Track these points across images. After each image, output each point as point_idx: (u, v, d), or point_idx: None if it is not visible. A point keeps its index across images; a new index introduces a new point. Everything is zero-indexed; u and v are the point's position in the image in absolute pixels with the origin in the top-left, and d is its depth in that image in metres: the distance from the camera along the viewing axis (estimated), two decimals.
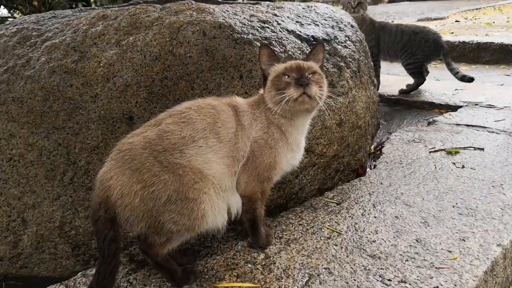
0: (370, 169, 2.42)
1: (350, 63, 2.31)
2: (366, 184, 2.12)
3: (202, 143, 1.37)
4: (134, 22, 1.98)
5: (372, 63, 2.89)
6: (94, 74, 1.86)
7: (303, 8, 2.48)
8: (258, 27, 2.04)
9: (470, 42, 6.05)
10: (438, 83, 4.33)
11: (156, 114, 1.58)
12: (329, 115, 1.58)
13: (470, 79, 3.77)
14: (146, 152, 1.32)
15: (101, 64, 1.88)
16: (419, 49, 3.95)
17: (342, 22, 2.52)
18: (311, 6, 2.55)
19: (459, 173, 2.19)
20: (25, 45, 2.07)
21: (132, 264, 1.58)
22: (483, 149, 2.49)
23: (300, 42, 2.12)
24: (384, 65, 4.36)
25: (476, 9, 12.25)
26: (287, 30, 2.12)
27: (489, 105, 3.38)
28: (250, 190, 1.51)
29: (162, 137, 1.34)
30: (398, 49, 4.04)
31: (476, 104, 3.42)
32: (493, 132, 2.78)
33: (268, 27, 2.06)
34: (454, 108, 3.45)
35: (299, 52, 2.06)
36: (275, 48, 1.97)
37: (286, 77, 1.47)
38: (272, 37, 2.02)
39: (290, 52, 2.01)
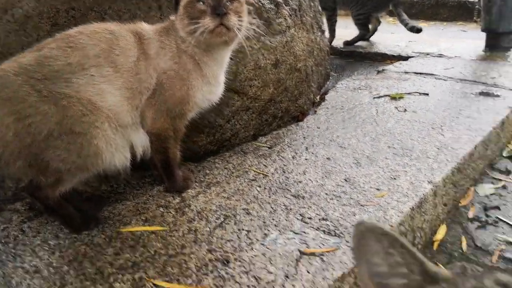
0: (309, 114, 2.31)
1: (290, 0, 2.14)
2: (303, 129, 2.01)
3: (94, 72, 1.18)
4: None
5: (320, 8, 2.74)
6: None
7: None
8: None
9: None
10: (392, 36, 4.24)
11: None
12: (247, 47, 1.41)
13: (419, 30, 3.74)
14: (20, 80, 1.12)
15: None
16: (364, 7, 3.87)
17: None
18: None
19: (400, 116, 2.10)
20: None
21: (30, 212, 1.41)
22: (427, 94, 2.41)
23: None
24: (342, 21, 4.23)
25: None
26: None
27: (440, 54, 3.31)
28: (159, 126, 1.35)
29: (42, 64, 1.14)
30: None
31: (428, 54, 3.34)
32: (440, 79, 2.71)
33: None
34: (406, 58, 3.36)
35: None
36: None
37: (201, 3, 1.28)
38: None
39: None
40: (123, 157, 1.26)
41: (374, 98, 2.39)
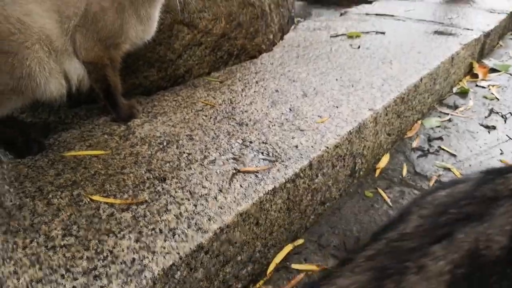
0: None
1: None
2: (256, 65, 2.02)
3: None
4: None
5: None
6: None
7: None
8: None
9: None
10: None
11: None
12: (181, 4, 1.41)
13: None
14: None
15: None
16: None
17: None
18: None
19: (353, 52, 2.13)
20: None
21: None
22: (384, 33, 2.43)
23: None
24: None
25: None
26: None
27: None
28: (93, 55, 1.34)
29: None
30: None
31: None
32: (399, 19, 2.73)
33: None
34: (370, 2, 3.35)
35: None
36: None
37: None
38: None
39: None
40: (58, 83, 1.25)
41: (331, 37, 2.39)
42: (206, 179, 1.17)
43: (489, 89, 2.24)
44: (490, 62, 2.51)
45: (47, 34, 1.20)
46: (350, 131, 1.43)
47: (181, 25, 1.80)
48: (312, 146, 1.32)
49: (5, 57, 1.13)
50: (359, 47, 2.20)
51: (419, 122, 1.96)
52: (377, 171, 1.64)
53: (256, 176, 1.18)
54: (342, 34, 2.42)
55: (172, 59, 1.85)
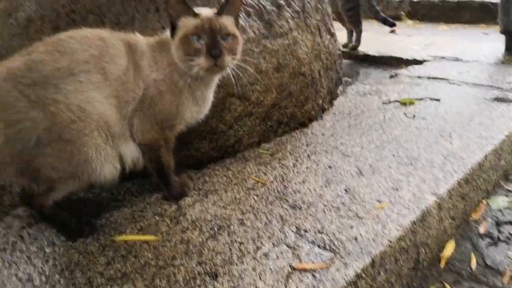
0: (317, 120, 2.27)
1: (292, 2, 2.10)
2: (307, 135, 1.97)
3: (84, 77, 1.18)
4: None
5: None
6: None
7: None
8: None
9: (450, 1, 5.82)
10: (408, 39, 4.14)
11: None
12: (235, 79, 1.43)
13: (392, 24, 3.86)
14: (8, 85, 1.11)
15: None
16: None
17: None
18: None
19: (408, 123, 2.04)
20: None
21: (31, 218, 1.41)
22: (439, 100, 2.34)
23: None
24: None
25: None
26: None
27: (456, 58, 3.21)
28: (150, 137, 1.34)
29: (31, 68, 1.14)
30: None
31: (443, 58, 3.25)
32: (454, 83, 2.63)
33: None
34: (421, 62, 3.28)
35: None
36: None
37: (197, 40, 1.26)
38: None
39: None
40: (112, 168, 1.25)
41: (384, 103, 2.33)
42: (260, 277, 1.09)
43: None
44: None
45: (106, 120, 1.21)
46: (413, 220, 1.32)
47: (233, 98, 1.80)
48: (373, 239, 1.22)
49: (65, 145, 1.14)
50: (414, 116, 2.11)
51: (484, 201, 1.81)
52: (442, 261, 1.50)
53: (314, 276, 1.09)
54: (395, 101, 2.35)
55: (223, 130, 1.83)
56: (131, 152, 1.33)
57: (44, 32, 1.60)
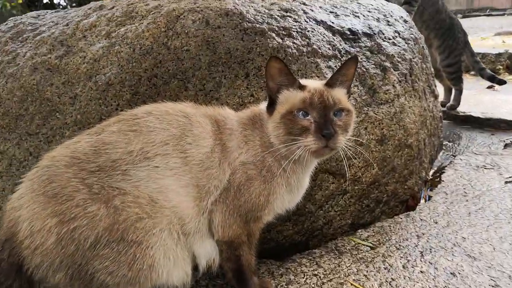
0: (425, 201, 1.89)
1: (399, 64, 1.82)
2: (415, 222, 1.60)
3: (160, 162, 0.98)
4: (130, 11, 1.67)
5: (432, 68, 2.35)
6: (77, 71, 1.56)
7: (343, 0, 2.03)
8: (278, 15, 1.63)
9: None
10: None
11: None
12: (345, 161, 1.15)
13: (502, 82, 3.42)
14: (70, 172, 0.94)
15: (86, 60, 1.57)
16: (456, 41, 3.37)
17: (392, 16, 2.04)
18: None
19: None
20: (16, 41, 1.83)
21: None
22: None
23: (331, 35, 1.67)
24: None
25: None
26: (315, 20, 1.69)
27: None
28: (231, 233, 1.09)
29: (99, 151, 0.97)
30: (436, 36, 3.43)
31: None
32: None
33: (290, 16, 1.64)
34: None
35: (328, 46, 1.62)
36: (295, 41, 1.54)
37: (303, 116, 1.05)
38: (294, 27, 1.59)
39: (315, 46, 1.57)
40: (183, 272, 1.01)
41: (507, 182, 1.89)
42: None
43: None
44: None
45: (181, 216, 0.99)
46: None
47: (326, 174, 1.52)
48: None
49: (127, 246, 0.92)
50: None
51: None
52: None
53: None
54: None
55: (311, 210, 1.54)
56: (207, 252, 1.08)
57: (123, 98, 1.47)
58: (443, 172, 2.09)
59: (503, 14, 15.69)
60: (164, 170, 0.98)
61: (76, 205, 0.92)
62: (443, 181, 1.98)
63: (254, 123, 1.12)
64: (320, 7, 1.83)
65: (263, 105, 1.14)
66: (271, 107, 1.09)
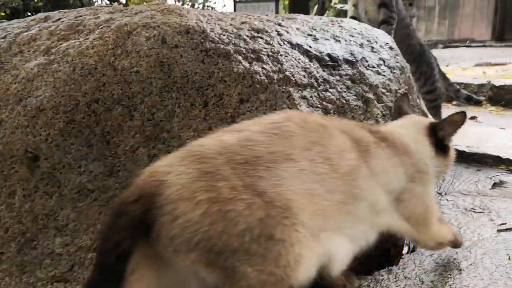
0: (408, 249, 1.68)
1: (383, 96, 1.62)
2: (399, 281, 1.37)
3: (306, 165, 0.96)
4: (77, 24, 1.44)
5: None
6: (6, 92, 1.32)
7: (324, 22, 1.85)
8: (247, 36, 1.42)
9: None
10: (504, 132, 3.49)
11: (72, 154, 0.99)
12: None
13: (478, 101, 3.48)
14: (221, 158, 0.90)
15: (18, 79, 1.33)
16: (430, 66, 3.27)
17: (376, 42, 1.86)
18: (336, 20, 1.92)
19: None
20: None
21: None
22: None
23: (307, 61, 1.47)
24: None
25: None
26: (290, 43, 1.49)
27: None
28: None
29: (245, 146, 0.93)
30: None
31: None
32: None
33: (261, 37, 1.44)
34: None
35: (304, 74, 1.41)
36: (265, 66, 1.34)
37: None
38: (265, 50, 1.39)
39: (288, 73, 1.37)
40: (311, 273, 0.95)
41: (500, 231, 1.69)
42: None
43: None
44: None
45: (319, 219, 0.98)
46: None
47: None
48: None
49: (273, 243, 0.88)
50: None
51: None
52: None
53: None
54: None
55: None
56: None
57: (54, 127, 1.22)
58: None
59: (483, 46, 16.08)
60: (310, 173, 0.96)
61: (232, 187, 0.86)
62: None
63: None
64: (298, 28, 1.64)
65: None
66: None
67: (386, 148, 1.12)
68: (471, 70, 8.51)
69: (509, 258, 1.50)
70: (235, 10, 14.12)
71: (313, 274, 0.96)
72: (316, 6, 14.94)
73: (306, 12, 9.98)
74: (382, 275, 1.41)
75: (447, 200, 2.05)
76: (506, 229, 1.72)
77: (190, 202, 0.84)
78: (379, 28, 3.28)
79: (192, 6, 19.24)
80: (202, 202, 0.84)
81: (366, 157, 1.07)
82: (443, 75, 3.47)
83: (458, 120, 1.25)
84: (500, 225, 1.76)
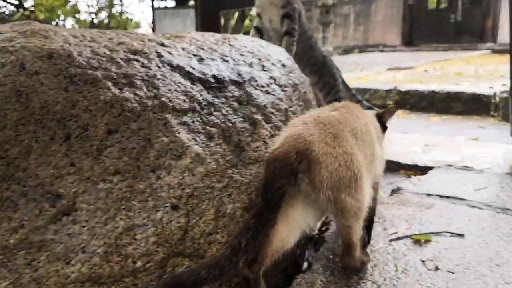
0: (308, 264, 1.68)
1: (272, 116, 1.61)
2: None
3: (366, 137, 1.43)
4: None
5: None
6: None
7: (216, 39, 1.81)
8: (122, 59, 1.33)
9: (440, 91, 5.57)
10: (406, 137, 3.71)
11: None
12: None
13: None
14: (341, 124, 1.33)
15: None
16: (332, 77, 3.44)
17: (268, 60, 1.85)
18: (228, 38, 1.88)
19: (431, 281, 1.46)
20: None
21: None
22: (462, 235, 1.78)
23: (189, 84, 1.41)
24: None
25: (444, 60, 12.18)
26: (170, 65, 1.42)
27: (466, 166, 2.73)
28: None
29: (344, 120, 1.37)
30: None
31: (450, 166, 2.76)
32: (474, 206, 2.09)
33: (137, 60, 1.35)
34: (424, 169, 2.79)
35: (184, 98, 1.35)
36: (138, 92, 1.26)
37: None
38: (139, 74, 1.31)
39: (164, 98, 1.30)
40: None
41: (391, 240, 1.76)
42: None
43: None
44: None
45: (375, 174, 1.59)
46: None
47: (179, 258, 1.22)
48: None
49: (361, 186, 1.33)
50: (436, 268, 1.54)
51: None
52: None
53: None
54: (405, 236, 1.79)
55: None
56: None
57: None
58: (327, 228, 1.92)
59: (394, 51, 17.26)
60: (371, 142, 1.47)
61: (351, 146, 1.29)
62: (326, 241, 1.79)
63: None
64: (183, 48, 1.58)
65: None
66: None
67: (375, 125, 1.64)
68: (383, 75, 9.05)
69: (396, 268, 1.55)
70: (153, 17, 13.79)
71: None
72: (237, 14, 15.06)
73: (216, 22, 9.95)
74: None
75: None
76: (397, 238, 1.79)
77: (331, 155, 1.23)
78: (281, 39, 3.34)
79: (109, 15, 18.44)
80: (338, 155, 1.24)
81: (372, 130, 1.52)
82: (346, 85, 3.61)
83: (393, 110, 1.80)
84: (391, 234, 1.83)
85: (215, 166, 1.30)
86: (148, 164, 1.15)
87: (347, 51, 18.94)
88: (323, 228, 1.98)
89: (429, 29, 17.43)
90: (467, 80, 6.98)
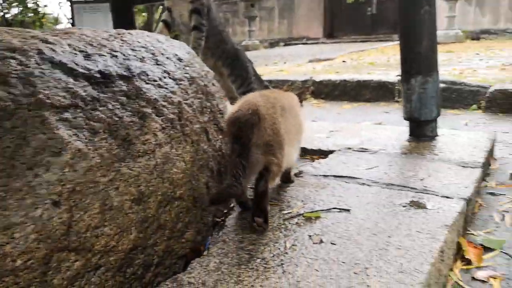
0: (207, 250, 1.76)
1: (164, 109, 1.66)
2: (183, 287, 1.43)
3: (292, 110, 2.02)
4: None
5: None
6: None
7: (108, 36, 1.81)
8: None
9: (351, 80, 5.95)
10: (314, 124, 3.93)
11: None
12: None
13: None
14: (275, 99, 1.87)
15: None
16: (245, 70, 3.64)
17: (163, 54, 1.90)
18: (121, 33, 1.90)
19: (315, 253, 1.61)
20: None
21: None
22: (349, 210, 1.97)
23: (71, 80, 1.42)
24: None
25: (362, 51, 12.89)
26: (51, 62, 1.42)
27: (362, 148, 2.97)
28: None
29: (278, 96, 1.97)
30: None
31: (349, 148, 2.99)
32: (363, 183, 2.31)
33: (14, 58, 1.34)
34: (327, 153, 2.99)
35: (64, 94, 1.36)
36: (12, 90, 1.25)
37: None
38: (14, 72, 1.29)
39: (42, 95, 1.30)
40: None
41: (285, 220, 1.90)
42: None
43: (491, 285, 1.73)
44: (478, 237, 2.06)
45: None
46: None
47: (64, 253, 1.24)
48: None
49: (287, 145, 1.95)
50: (321, 241, 1.70)
51: None
52: None
53: None
54: (298, 215, 1.94)
55: None
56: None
57: None
58: (229, 213, 2.02)
59: (316, 43, 17.90)
60: (296, 117, 2.08)
61: (279, 115, 1.81)
62: (226, 224, 1.89)
63: None
64: (70, 45, 1.57)
65: None
66: None
67: (297, 102, 2.24)
68: (304, 66, 9.39)
69: (285, 246, 1.68)
70: (72, 12, 13.06)
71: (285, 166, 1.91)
72: (160, 7, 14.71)
73: (131, 16, 9.76)
74: (167, 285, 1.45)
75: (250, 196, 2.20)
76: (290, 217, 1.93)
77: (269, 117, 1.72)
78: (190, 33, 3.38)
79: (23, 10, 17.21)
80: (272, 119, 1.72)
81: (296, 106, 2.14)
82: (258, 77, 3.75)
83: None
84: (286, 213, 1.97)
85: (99, 161, 1.33)
86: (24, 162, 1.16)
87: (272, 44, 19.33)
88: (226, 211, 2.08)
89: (348, 21, 18.31)
90: (379, 69, 7.49)
